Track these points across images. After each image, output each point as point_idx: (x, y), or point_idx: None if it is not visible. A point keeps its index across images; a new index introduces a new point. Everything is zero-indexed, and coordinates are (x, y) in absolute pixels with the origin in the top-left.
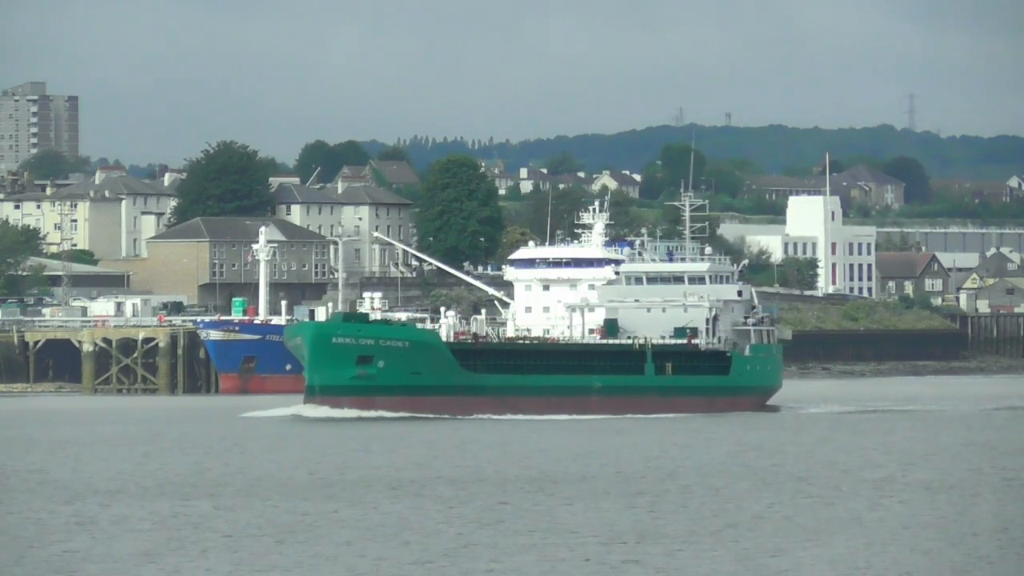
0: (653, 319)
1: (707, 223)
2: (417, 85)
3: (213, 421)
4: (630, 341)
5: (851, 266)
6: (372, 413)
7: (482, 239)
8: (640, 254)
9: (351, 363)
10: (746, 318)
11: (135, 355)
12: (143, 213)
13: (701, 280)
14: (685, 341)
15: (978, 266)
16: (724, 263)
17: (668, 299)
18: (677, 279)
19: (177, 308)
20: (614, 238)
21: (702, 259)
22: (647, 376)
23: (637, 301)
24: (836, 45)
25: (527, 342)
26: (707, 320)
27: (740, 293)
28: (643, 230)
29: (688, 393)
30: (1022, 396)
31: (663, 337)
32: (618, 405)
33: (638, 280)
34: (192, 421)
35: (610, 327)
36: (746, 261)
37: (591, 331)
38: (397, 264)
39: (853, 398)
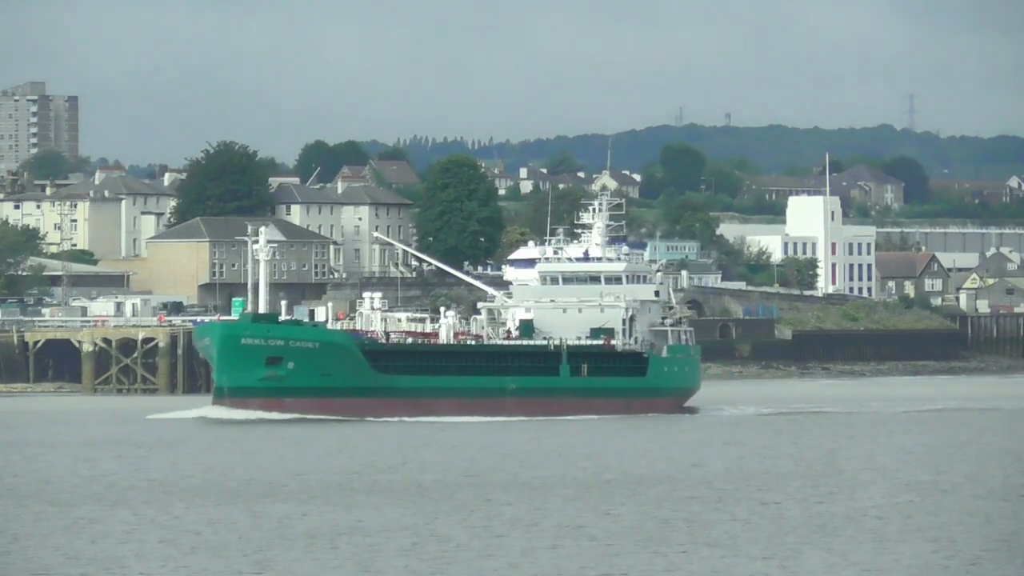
0: (569, 320)
1: (623, 223)
2: (417, 85)
3: (119, 423)
4: (545, 342)
5: (851, 266)
6: (281, 415)
7: (482, 239)
8: (556, 253)
9: (260, 364)
10: (663, 319)
11: (135, 355)
12: (143, 213)
13: (618, 280)
14: (601, 342)
15: (978, 266)
16: (642, 263)
17: (584, 299)
18: (594, 279)
19: (177, 308)
20: (613, 238)
21: (620, 259)
22: (562, 377)
23: (553, 301)
24: (836, 45)
25: (441, 343)
26: (624, 321)
27: (657, 293)
28: (560, 230)
29: (604, 395)
30: (968, 397)
31: (579, 338)
32: (533, 407)
33: (554, 280)
34: (96, 423)
35: (525, 328)
36: (663, 261)
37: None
38: (397, 264)
39: (775, 400)
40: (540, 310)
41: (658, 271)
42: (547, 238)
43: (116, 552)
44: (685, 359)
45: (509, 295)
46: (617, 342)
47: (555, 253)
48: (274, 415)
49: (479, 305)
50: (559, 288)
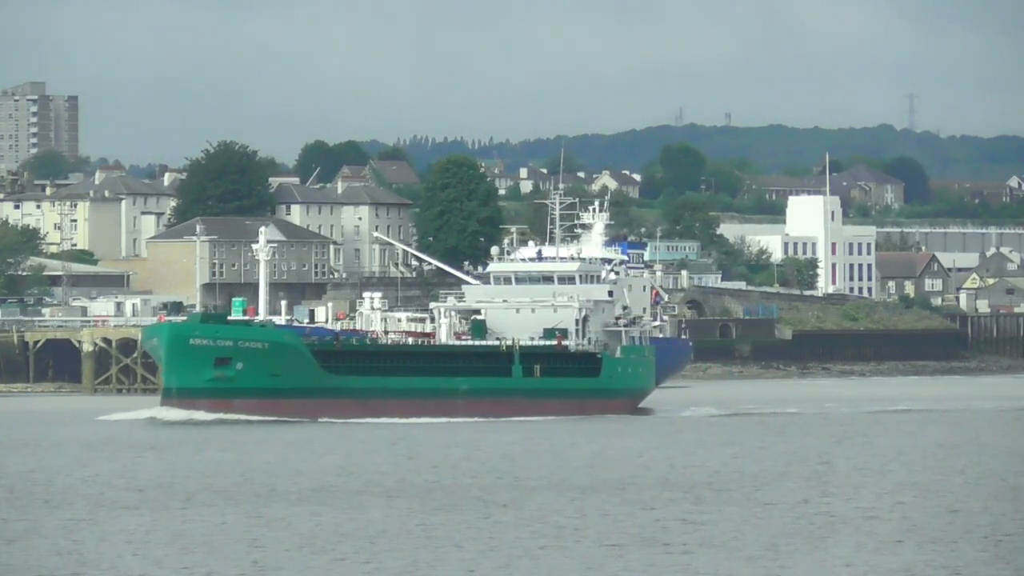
0: (522, 320)
1: (575, 223)
2: (417, 85)
3: (63, 425)
4: (497, 342)
5: (851, 266)
6: (230, 416)
7: (482, 239)
8: (509, 253)
9: (209, 365)
10: (617, 319)
11: (135, 355)
12: (143, 213)
13: (571, 280)
14: (554, 342)
15: (978, 266)
16: (595, 263)
17: (537, 299)
18: (547, 279)
19: (177, 308)
20: (614, 238)
21: (573, 259)
22: (514, 378)
23: (505, 301)
24: (836, 45)
25: (392, 343)
26: (577, 321)
27: (611, 293)
28: (513, 229)
29: (557, 396)
30: (941, 399)
31: (532, 338)
32: (484, 408)
33: (507, 280)
34: (43, 424)
35: (477, 328)
36: (618, 260)
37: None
38: (397, 264)
39: (730, 401)
40: (492, 310)
41: (612, 271)
42: (507, 244)
43: None
44: (639, 359)
45: (461, 296)
46: (570, 342)
47: (507, 253)
48: (222, 416)
49: (432, 305)
50: (512, 288)
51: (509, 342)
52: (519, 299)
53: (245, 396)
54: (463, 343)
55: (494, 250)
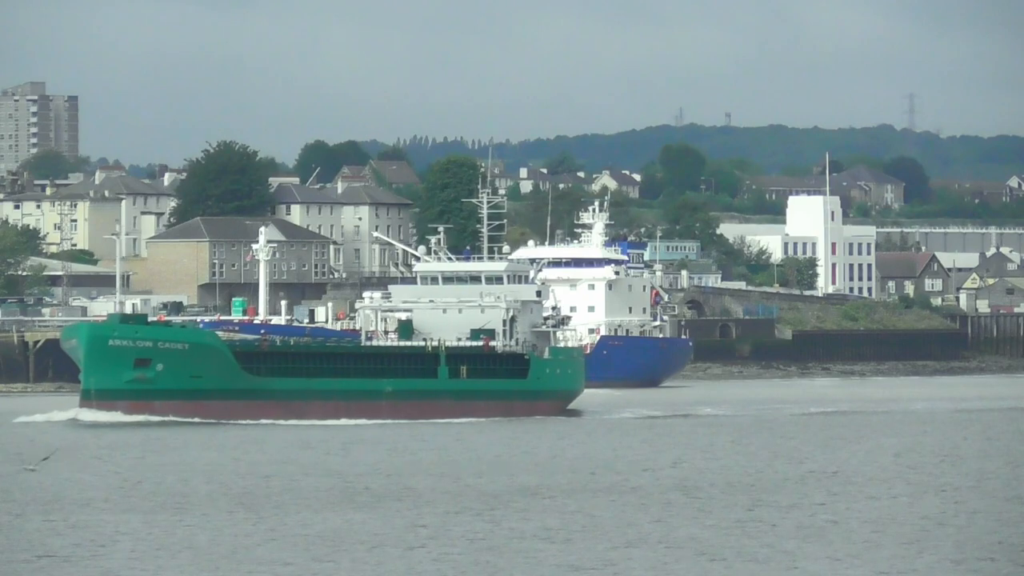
0: (449, 320)
1: (502, 222)
2: (417, 85)
3: None
4: (423, 343)
5: (851, 266)
6: (149, 417)
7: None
8: (435, 253)
9: (128, 366)
10: (546, 319)
11: None
12: (143, 213)
13: (499, 280)
14: (481, 343)
15: (978, 266)
16: (523, 263)
17: (464, 300)
18: (474, 279)
19: (177, 308)
20: (614, 238)
21: (500, 259)
22: (440, 379)
23: (432, 301)
24: (836, 45)
25: (315, 344)
26: (504, 321)
27: (539, 294)
28: (440, 229)
29: (483, 397)
30: (885, 399)
31: (459, 339)
32: (410, 410)
33: (433, 280)
34: None
35: (404, 328)
36: (547, 260)
37: (386, 333)
38: (397, 264)
39: (661, 403)
40: (419, 310)
41: (539, 270)
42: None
43: None
44: (567, 361)
45: (388, 295)
46: (497, 343)
47: (434, 253)
48: (142, 417)
49: (358, 305)
50: (439, 288)
51: (435, 343)
52: (446, 299)
53: (165, 398)
54: (388, 344)
55: (421, 249)
